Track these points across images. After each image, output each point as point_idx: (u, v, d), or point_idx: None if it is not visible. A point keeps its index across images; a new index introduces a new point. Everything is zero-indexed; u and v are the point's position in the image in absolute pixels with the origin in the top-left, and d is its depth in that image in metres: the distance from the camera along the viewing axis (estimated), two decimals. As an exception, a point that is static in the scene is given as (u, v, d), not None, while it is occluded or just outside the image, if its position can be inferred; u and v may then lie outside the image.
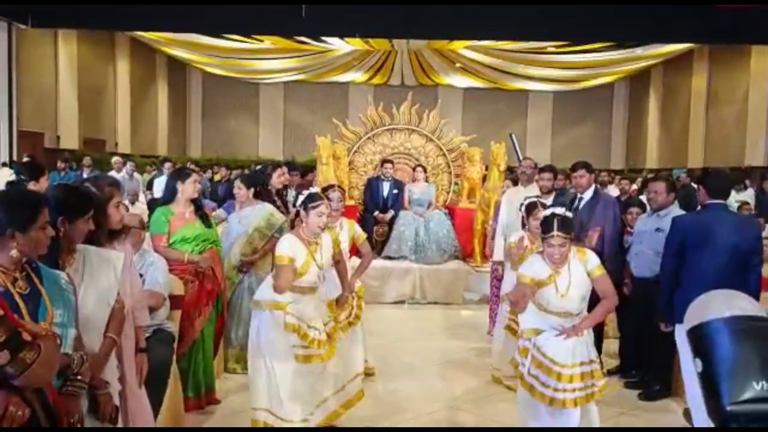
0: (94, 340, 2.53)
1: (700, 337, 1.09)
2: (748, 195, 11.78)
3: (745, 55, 16.38)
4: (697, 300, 1.16)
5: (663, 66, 20.48)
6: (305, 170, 10.96)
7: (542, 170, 6.09)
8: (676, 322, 4.24)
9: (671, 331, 4.31)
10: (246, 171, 13.27)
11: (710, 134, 18.21)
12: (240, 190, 5.42)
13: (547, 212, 3.68)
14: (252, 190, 5.44)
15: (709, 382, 1.05)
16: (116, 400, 2.63)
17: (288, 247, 3.70)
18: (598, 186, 5.89)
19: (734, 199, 10.32)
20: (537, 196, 5.38)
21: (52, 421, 1.93)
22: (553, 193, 5.89)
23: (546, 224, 3.60)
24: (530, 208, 4.92)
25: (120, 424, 2.66)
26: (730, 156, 16.60)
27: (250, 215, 5.32)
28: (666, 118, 20.94)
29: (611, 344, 5.77)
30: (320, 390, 3.87)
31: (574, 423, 3.54)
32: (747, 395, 1.01)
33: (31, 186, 5.13)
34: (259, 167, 9.47)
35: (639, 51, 17.85)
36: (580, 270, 3.62)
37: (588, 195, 5.38)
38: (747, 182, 12.73)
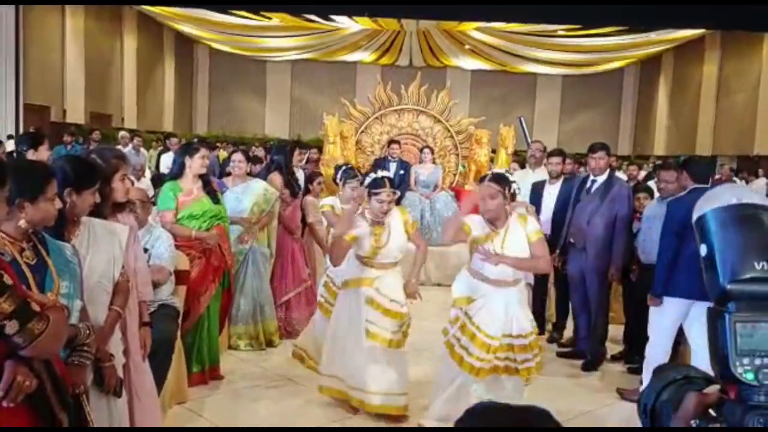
0: (98, 312, 2.53)
1: (706, 222, 1.11)
2: (760, 184, 11.71)
3: (757, 44, 16.22)
4: (707, 192, 1.18)
5: (674, 53, 20.29)
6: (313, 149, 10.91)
7: (551, 154, 6.06)
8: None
9: None
10: (252, 148, 13.16)
11: (720, 122, 18.08)
12: (241, 163, 5.40)
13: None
14: (249, 165, 5.44)
15: (711, 262, 1.08)
16: (120, 373, 2.63)
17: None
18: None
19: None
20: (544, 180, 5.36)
21: (59, 392, 1.93)
22: (562, 177, 5.87)
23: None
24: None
25: (124, 397, 2.67)
26: (739, 144, 16.49)
27: (246, 191, 5.28)
28: (675, 105, 20.77)
29: (616, 330, 5.75)
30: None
31: (491, 391, 3.60)
32: (747, 275, 1.04)
33: (30, 155, 5.10)
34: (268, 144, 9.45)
35: (653, 35, 17.65)
36: (520, 234, 3.59)
37: (602, 178, 5.34)
38: (759, 171, 12.67)
